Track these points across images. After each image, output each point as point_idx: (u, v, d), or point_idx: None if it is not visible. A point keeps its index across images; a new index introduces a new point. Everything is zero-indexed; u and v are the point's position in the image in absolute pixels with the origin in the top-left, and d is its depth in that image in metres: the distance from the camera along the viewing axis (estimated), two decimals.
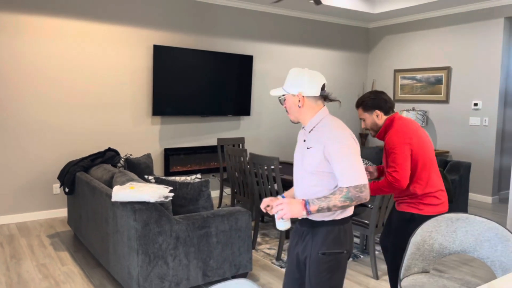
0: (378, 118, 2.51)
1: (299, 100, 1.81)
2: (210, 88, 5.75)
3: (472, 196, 6.16)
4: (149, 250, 2.74)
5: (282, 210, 1.67)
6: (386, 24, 7.27)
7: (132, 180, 3.16)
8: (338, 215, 1.76)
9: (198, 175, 3.37)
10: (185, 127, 5.73)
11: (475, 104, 6.07)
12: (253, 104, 6.32)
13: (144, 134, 5.41)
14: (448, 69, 6.37)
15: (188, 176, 3.37)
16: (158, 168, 5.56)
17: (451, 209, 4.75)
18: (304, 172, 1.82)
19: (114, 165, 4.10)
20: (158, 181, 3.19)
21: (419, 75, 6.78)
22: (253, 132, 6.37)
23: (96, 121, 5.08)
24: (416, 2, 6.10)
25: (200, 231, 2.95)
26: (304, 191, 1.83)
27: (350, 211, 1.80)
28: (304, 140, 1.86)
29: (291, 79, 1.82)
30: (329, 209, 1.67)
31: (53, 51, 4.75)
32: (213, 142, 5.99)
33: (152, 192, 2.75)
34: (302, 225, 1.84)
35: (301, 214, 1.67)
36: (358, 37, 7.47)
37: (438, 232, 1.92)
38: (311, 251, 1.77)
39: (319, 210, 1.66)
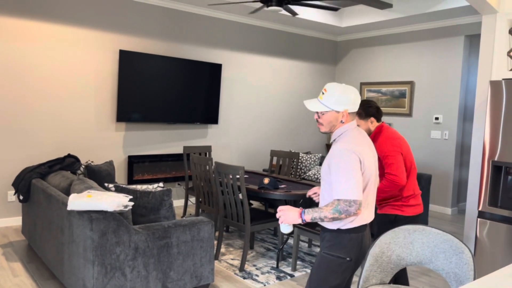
0: (372, 125, 2.74)
1: (343, 116, 1.91)
2: (177, 96, 5.67)
3: (433, 207, 6.33)
4: (106, 261, 2.63)
5: (281, 216, 1.88)
6: (353, 38, 7.44)
7: (91, 188, 3.05)
8: (345, 225, 1.87)
9: (161, 184, 3.29)
10: (151, 134, 5.62)
11: (436, 118, 6.27)
12: (221, 113, 6.29)
13: (108, 141, 5.26)
14: (411, 84, 6.56)
15: (151, 184, 3.29)
16: (121, 176, 5.41)
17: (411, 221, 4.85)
18: (322, 178, 1.97)
19: (74, 172, 3.96)
20: (118, 189, 3.09)
21: (384, 89, 6.96)
22: (221, 141, 6.33)
23: (58, 126, 4.90)
24: (380, 18, 6.28)
25: (160, 242, 2.87)
26: (323, 196, 1.96)
27: (359, 221, 1.87)
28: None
29: (337, 96, 1.89)
30: (321, 219, 1.81)
31: (14, 53, 4.56)
32: (179, 150, 5.90)
33: (111, 201, 2.65)
34: (321, 230, 2.00)
35: (297, 221, 1.85)
36: (326, 49, 7.59)
37: (396, 244, 1.94)
38: (320, 250, 1.97)
39: (312, 219, 1.82)
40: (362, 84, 7.28)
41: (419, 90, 6.51)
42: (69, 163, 3.89)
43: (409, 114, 6.61)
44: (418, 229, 1.93)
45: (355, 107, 1.92)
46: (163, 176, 5.75)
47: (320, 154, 5.99)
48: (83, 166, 3.93)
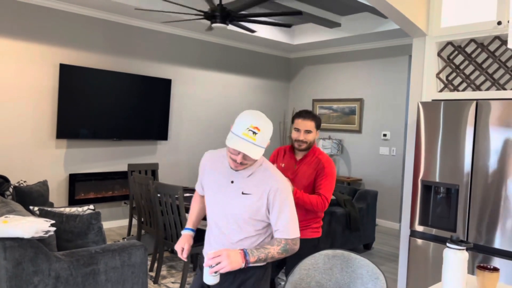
0: (317, 136, 2.66)
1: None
2: (125, 111, 5.51)
3: (381, 222, 6.43)
4: None
5: (221, 263, 1.53)
6: (305, 55, 7.54)
7: (13, 211, 2.85)
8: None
9: (91, 206, 3.13)
10: (95, 151, 5.41)
11: (384, 135, 6.42)
12: (171, 128, 6.16)
13: (47, 158, 5.01)
14: (360, 101, 6.70)
15: (80, 207, 3.12)
16: (61, 196, 5.16)
17: (358, 237, 4.88)
18: (233, 218, 1.72)
19: (2, 194, 3.71)
20: (42, 213, 2.91)
21: (335, 105, 7.07)
22: (171, 157, 6.18)
23: None
24: (330, 36, 6.40)
25: (85, 269, 2.71)
26: (230, 239, 1.73)
27: None
28: (232, 182, 1.73)
29: (269, 133, 1.64)
30: (265, 260, 1.66)
31: None
32: (126, 167, 5.71)
33: (28, 227, 2.48)
34: (243, 268, 1.70)
35: (240, 266, 1.58)
36: (279, 66, 7.65)
37: (316, 270, 1.90)
38: None
39: (256, 261, 1.63)
40: (314, 100, 7.37)
41: (368, 107, 6.65)
42: None
43: (359, 131, 6.74)
44: (337, 254, 1.90)
45: None
46: (109, 195, 5.53)
47: None
48: (12, 187, 3.70)
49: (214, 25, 4.30)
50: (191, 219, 2.03)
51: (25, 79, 4.81)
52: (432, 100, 3.09)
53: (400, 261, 3.31)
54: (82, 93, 5.12)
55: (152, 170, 5.46)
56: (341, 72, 7.03)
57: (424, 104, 2.92)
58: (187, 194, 4.51)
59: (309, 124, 2.54)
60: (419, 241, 2.91)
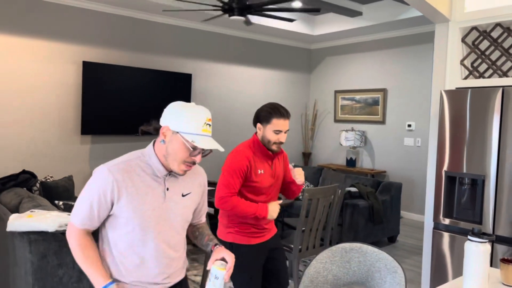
0: None
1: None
2: (145, 107, 5.58)
3: (407, 215, 6.30)
4: (47, 285, 2.52)
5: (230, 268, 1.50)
6: (327, 46, 7.43)
7: (39, 206, 2.94)
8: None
9: None
10: (118, 147, 5.51)
11: (409, 125, 6.26)
12: None
13: (72, 154, 5.14)
14: (384, 91, 6.55)
15: None
16: None
17: (382, 229, 4.80)
18: (180, 225, 1.58)
19: (30, 189, 3.83)
20: (67, 207, 2.98)
21: (358, 96, 6.94)
22: None
23: (18, 140, 4.77)
24: (352, 26, 6.28)
25: None
26: (176, 250, 1.60)
27: None
28: (168, 189, 1.52)
29: None
30: None
31: None
32: None
33: (52, 220, 2.55)
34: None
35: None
36: (300, 57, 7.57)
37: (333, 263, 1.87)
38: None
39: None
40: (336, 91, 7.26)
41: (392, 97, 6.50)
42: (23, 179, 3.77)
43: (383, 122, 6.60)
44: (355, 248, 1.87)
45: None
46: None
47: (293, 164, 5.93)
48: (39, 183, 3.81)
49: (232, 17, 4.28)
50: (99, 266, 1.47)
51: (50, 77, 4.93)
52: (456, 88, 2.98)
53: (424, 254, 3.24)
54: (104, 90, 5.21)
55: None
56: (363, 62, 6.89)
57: (448, 92, 2.82)
58: (210, 188, 4.53)
59: (287, 124, 2.25)
60: (443, 233, 2.83)
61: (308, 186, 5.46)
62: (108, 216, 1.49)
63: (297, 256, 3.33)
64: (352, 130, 6.76)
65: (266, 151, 2.28)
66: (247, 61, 6.78)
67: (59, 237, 2.60)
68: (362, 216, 4.54)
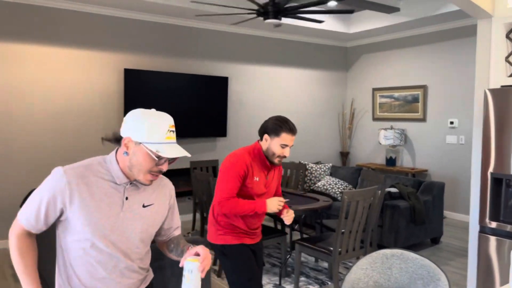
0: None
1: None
2: (184, 110, 5.72)
3: (451, 215, 6.11)
4: None
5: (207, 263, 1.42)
6: (363, 43, 7.31)
7: None
8: None
9: None
10: None
11: (451, 123, 6.06)
12: (229, 125, 6.29)
13: None
14: (424, 88, 6.37)
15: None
16: None
17: (424, 230, 4.68)
18: (138, 237, 1.51)
19: None
20: None
21: (396, 94, 6.79)
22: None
23: (67, 146, 5.03)
24: (389, 22, 6.15)
25: (153, 264, 2.87)
26: (138, 262, 1.55)
27: None
28: (127, 198, 1.47)
29: None
30: None
31: (25, 76, 4.72)
32: (188, 164, 5.93)
33: None
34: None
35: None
36: (336, 56, 7.49)
37: (374, 269, 1.86)
38: None
39: None
40: (374, 89, 7.13)
41: (433, 93, 6.31)
42: None
43: (423, 119, 6.42)
44: (396, 254, 1.85)
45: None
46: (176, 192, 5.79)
47: (331, 164, 5.89)
48: None
49: (267, 21, 4.31)
50: (33, 275, 1.41)
51: (94, 85, 5.16)
52: (501, 86, 2.87)
53: (469, 258, 3.14)
54: (144, 95, 5.39)
55: (213, 167, 5.63)
56: (401, 58, 6.73)
57: (493, 91, 2.72)
58: None
59: (293, 140, 2.27)
60: (490, 237, 2.73)
61: (346, 187, 5.41)
62: (62, 221, 1.44)
63: (337, 259, 3.32)
64: (391, 128, 6.62)
65: (265, 161, 2.29)
66: (282, 62, 6.79)
67: None
68: (403, 217, 4.45)
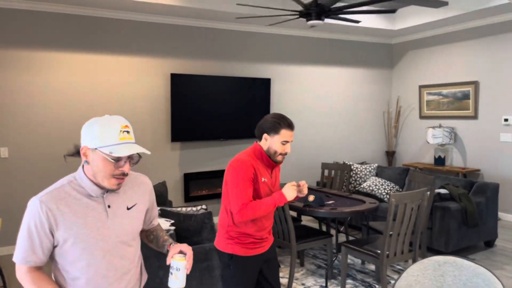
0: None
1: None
2: (228, 113, 5.82)
3: (506, 217, 5.81)
4: (149, 285, 2.77)
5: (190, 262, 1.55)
6: (409, 39, 7.10)
7: None
8: None
9: (204, 206, 3.40)
10: (205, 152, 5.82)
11: (506, 120, 5.77)
12: None
13: (164, 160, 5.54)
14: (475, 84, 6.10)
15: (195, 206, 3.41)
16: (178, 193, 5.66)
17: (477, 233, 4.50)
18: (131, 238, 1.58)
19: None
20: (164, 213, 3.24)
21: (445, 91, 6.55)
22: None
23: None
24: (436, 17, 5.94)
25: (201, 264, 2.96)
26: (132, 260, 1.61)
27: None
28: (109, 206, 1.51)
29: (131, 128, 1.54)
30: None
31: (78, 82, 4.99)
32: None
33: None
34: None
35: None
36: (381, 53, 7.33)
37: (425, 277, 1.83)
38: None
39: None
40: (421, 87, 6.91)
41: (484, 89, 6.03)
42: None
43: (474, 116, 6.15)
44: (448, 261, 1.81)
45: None
46: (218, 192, 5.91)
47: (376, 164, 5.78)
48: None
49: (310, 22, 4.30)
50: None
51: (142, 89, 5.36)
52: None
53: None
54: (190, 99, 5.54)
55: None
56: (450, 54, 6.48)
57: None
58: None
59: (292, 135, 2.24)
60: None
61: (393, 188, 5.29)
62: (54, 247, 1.47)
63: (385, 262, 3.27)
64: (440, 126, 6.39)
65: (269, 161, 2.26)
66: (324, 61, 6.74)
67: None
68: (454, 219, 4.30)
